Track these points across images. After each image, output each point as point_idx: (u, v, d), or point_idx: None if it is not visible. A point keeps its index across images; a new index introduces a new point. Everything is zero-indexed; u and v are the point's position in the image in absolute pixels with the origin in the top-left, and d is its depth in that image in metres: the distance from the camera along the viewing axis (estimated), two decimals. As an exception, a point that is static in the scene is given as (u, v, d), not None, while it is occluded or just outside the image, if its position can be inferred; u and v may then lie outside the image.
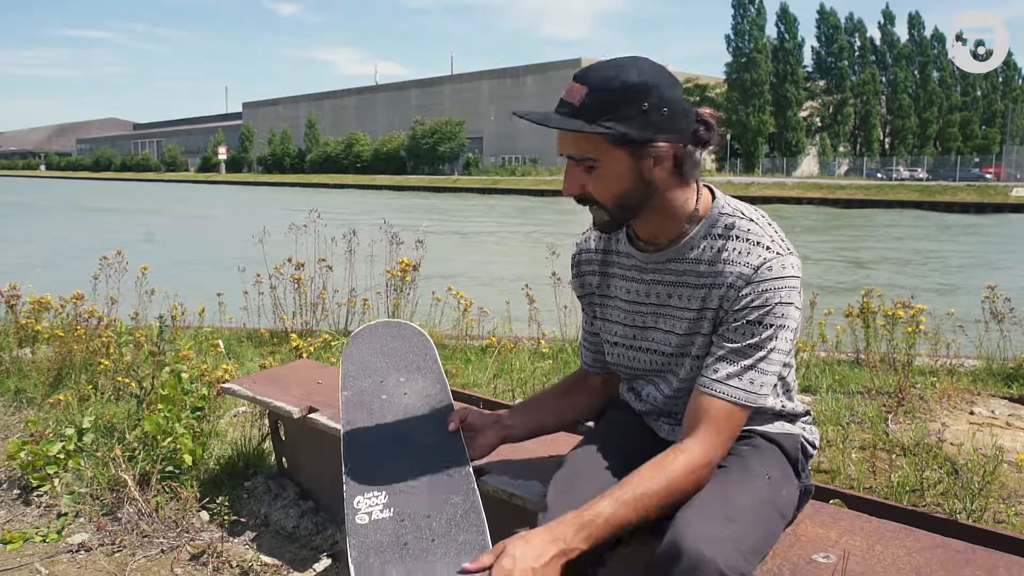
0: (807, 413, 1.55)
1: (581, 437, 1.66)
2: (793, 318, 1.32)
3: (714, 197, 1.41)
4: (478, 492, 1.47)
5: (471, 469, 1.52)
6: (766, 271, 1.30)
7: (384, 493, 1.46)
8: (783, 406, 1.47)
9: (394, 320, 1.82)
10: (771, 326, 1.31)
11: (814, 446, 1.51)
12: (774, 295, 1.30)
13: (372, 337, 1.81)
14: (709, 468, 1.31)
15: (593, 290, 1.57)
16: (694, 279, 1.39)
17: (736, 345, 1.32)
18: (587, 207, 1.38)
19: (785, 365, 1.39)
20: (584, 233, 1.60)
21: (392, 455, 1.56)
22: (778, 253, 1.32)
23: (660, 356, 1.46)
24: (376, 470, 1.52)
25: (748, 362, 1.32)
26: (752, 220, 1.37)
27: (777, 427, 1.47)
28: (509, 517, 1.50)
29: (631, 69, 1.28)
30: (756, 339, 1.31)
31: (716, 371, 1.33)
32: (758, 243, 1.33)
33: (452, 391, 1.81)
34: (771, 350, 1.32)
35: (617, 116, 1.27)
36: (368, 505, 1.43)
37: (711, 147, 1.35)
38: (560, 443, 1.81)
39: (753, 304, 1.31)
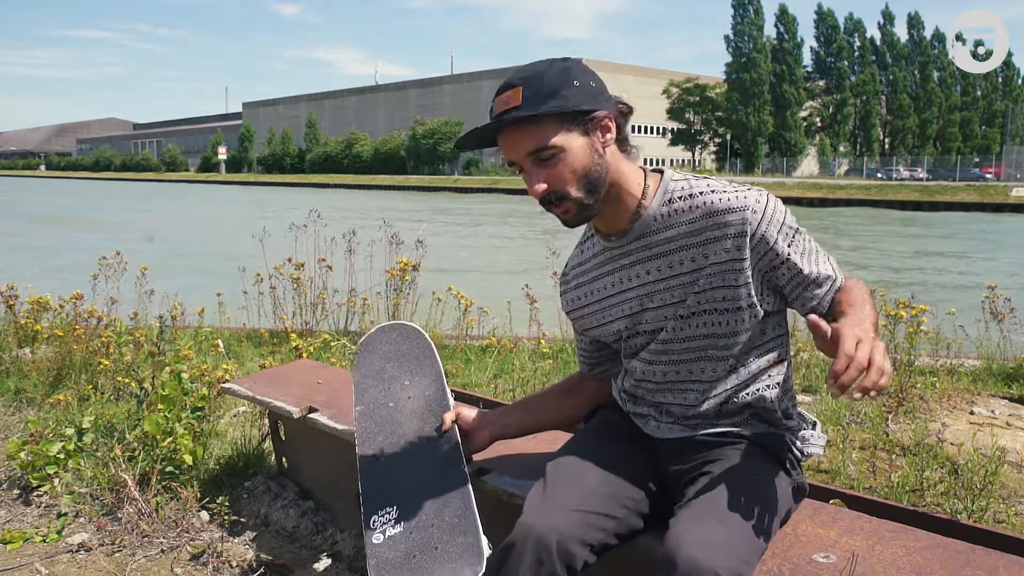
0: (803, 419, 1.55)
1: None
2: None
3: (662, 173, 1.46)
4: (472, 494, 1.57)
5: (467, 470, 1.63)
6: (755, 203, 1.36)
7: (395, 507, 1.60)
8: (781, 411, 1.48)
9: (399, 322, 1.94)
10: (798, 231, 1.38)
11: (803, 452, 1.51)
12: (779, 214, 1.36)
13: (381, 343, 1.92)
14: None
15: (578, 305, 1.59)
16: (667, 246, 1.41)
17: (802, 261, 1.39)
18: (553, 211, 1.39)
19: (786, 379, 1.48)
20: (566, 264, 1.65)
21: (398, 463, 1.69)
22: (745, 190, 1.39)
23: (664, 334, 1.46)
24: (387, 484, 1.66)
25: (815, 256, 1.40)
26: (705, 178, 1.43)
27: (760, 430, 1.48)
28: (510, 516, 1.50)
29: (549, 61, 1.37)
30: (802, 244, 1.39)
31: (814, 287, 1.40)
32: (724, 190, 1.38)
33: (453, 391, 1.85)
34: (814, 245, 1.41)
35: (559, 96, 1.32)
36: (382, 523, 1.58)
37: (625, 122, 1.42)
38: (558, 444, 1.81)
39: (774, 232, 1.36)
